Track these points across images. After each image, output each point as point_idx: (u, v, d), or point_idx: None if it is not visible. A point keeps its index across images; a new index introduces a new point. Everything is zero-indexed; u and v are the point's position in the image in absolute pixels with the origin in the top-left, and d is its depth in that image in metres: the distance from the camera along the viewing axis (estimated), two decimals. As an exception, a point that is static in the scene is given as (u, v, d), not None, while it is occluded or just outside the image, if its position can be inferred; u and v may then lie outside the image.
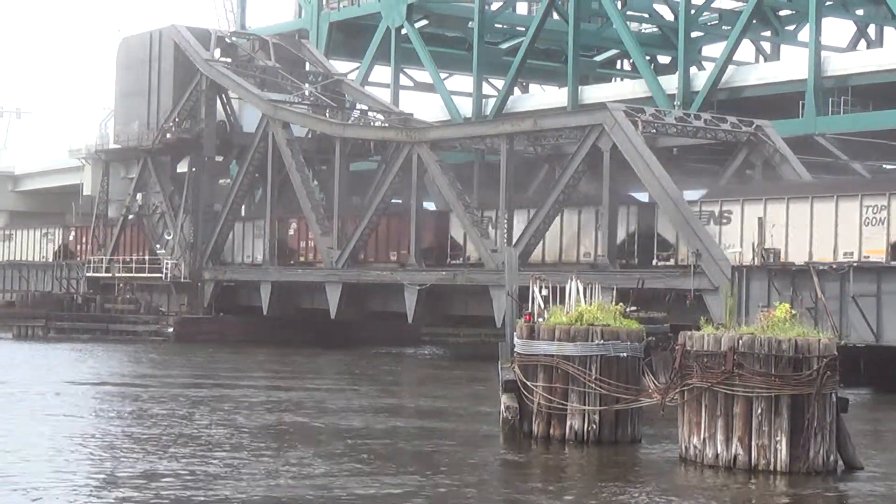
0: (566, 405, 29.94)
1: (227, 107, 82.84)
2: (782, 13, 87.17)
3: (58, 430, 32.08)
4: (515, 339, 31.47)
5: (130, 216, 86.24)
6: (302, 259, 76.61)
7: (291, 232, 77.67)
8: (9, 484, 23.77)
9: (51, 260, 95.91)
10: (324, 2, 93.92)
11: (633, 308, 35.61)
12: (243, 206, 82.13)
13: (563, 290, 32.47)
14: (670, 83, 73.89)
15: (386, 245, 71.23)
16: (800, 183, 57.86)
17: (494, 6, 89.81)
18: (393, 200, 71.22)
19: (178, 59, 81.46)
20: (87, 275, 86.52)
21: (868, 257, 49.23)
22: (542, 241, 61.07)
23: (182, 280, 79.61)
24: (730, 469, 25.97)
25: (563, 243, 61.93)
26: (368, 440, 31.41)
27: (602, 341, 29.76)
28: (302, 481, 24.88)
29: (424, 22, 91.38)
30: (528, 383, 30.51)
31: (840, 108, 65.57)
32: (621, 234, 58.96)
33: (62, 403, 38.73)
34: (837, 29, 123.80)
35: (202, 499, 22.94)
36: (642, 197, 61.75)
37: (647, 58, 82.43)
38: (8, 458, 26.94)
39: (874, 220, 49.80)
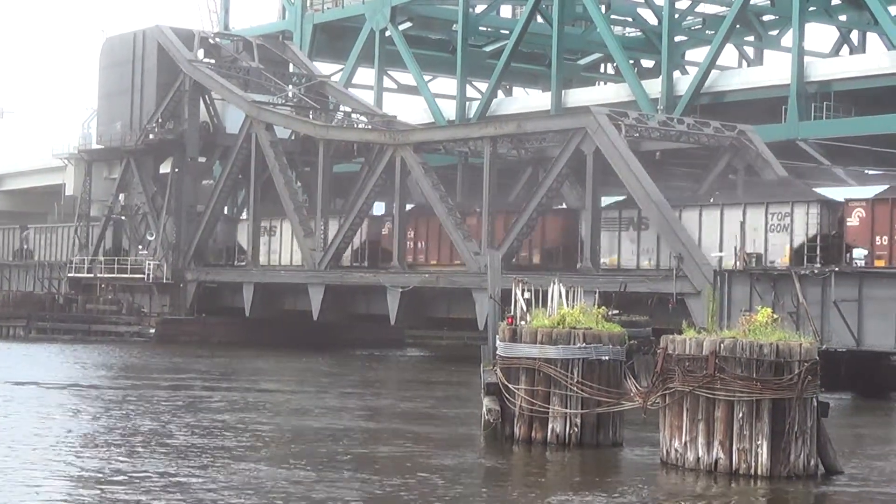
0: (548, 408, 29.96)
1: (211, 108, 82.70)
2: (766, 18, 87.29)
3: (30, 430, 32.01)
4: (498, 341, 31.49)
5: (113, 216, 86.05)
6: None
7: None
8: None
9: (10, 260, 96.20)
10: (308, 3, 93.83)
11: (616, 311, 35.65)
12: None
13: (545, 293, 32.50)
14: (654, 87, 73.96)
15: None
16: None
17: (479, 9, 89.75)
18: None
19: (162, 59, 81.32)
20: (69, 275, 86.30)
21: (774, 262, 51.14)
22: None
23: (164, 281, 79.45)
24: (711, 473, 26.01)
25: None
26: (347, 443, 31.35)
27: (584, 344, 29.80)
28: (277, 485, 24.77)
29: (408, 24, 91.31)
30: (511, 386, 30.52)
31: (823, 114, 65.68)
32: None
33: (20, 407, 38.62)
34: (820, 34, 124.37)
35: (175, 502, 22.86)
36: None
37: (631, 62, 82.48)
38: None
39: (779, 227, 52.28)
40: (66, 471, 25.88)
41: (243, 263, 77.17)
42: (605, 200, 63.27)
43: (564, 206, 66.31)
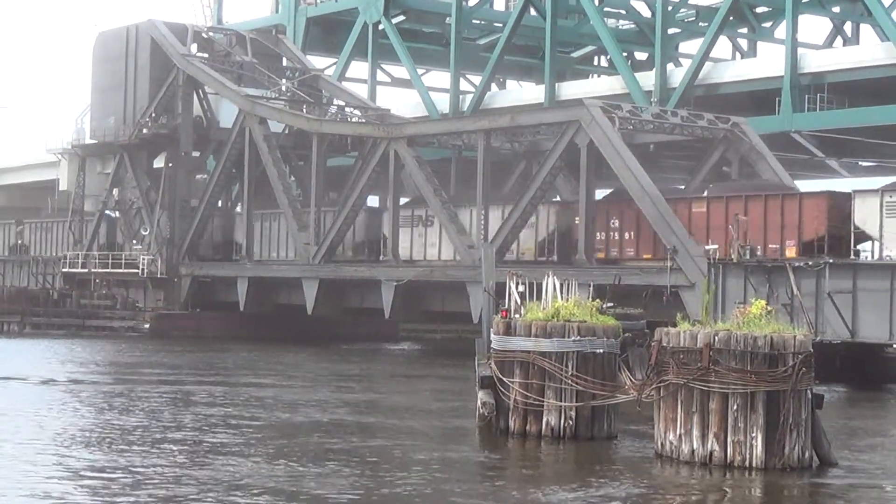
0: (542, 401, 29.95)
1: (204, 102, 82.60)
2: (759, 10, 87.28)
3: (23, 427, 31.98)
4: (492, 335, 31.46)
5: (107, 212, 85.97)
6: None
7: None
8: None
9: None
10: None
11: (610, 304, 35.61)
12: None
13: (539, 286, 32.48)
14: (647, 79, 73.99)
15: None
16: None
17: (472, 2, 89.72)
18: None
19: (155, 53, 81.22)
20: (64, 270, 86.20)
21: None
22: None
23: (158, 276, 79.43)
24: (705, 465, 26.02)
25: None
26: (340, 437, 31.26)
27: (578, 337, 29.77)
28: (266, 479, 24.68)
29: (402, 17, 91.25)
30: (505, 379, 30.50)
31: (816, 105, 65.74)
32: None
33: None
34: (814, 26, 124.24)
35: (158, 499, 22.80)
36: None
37: (625, 54, 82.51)
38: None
39: None
40: (54, 466, 25.81)
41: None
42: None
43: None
